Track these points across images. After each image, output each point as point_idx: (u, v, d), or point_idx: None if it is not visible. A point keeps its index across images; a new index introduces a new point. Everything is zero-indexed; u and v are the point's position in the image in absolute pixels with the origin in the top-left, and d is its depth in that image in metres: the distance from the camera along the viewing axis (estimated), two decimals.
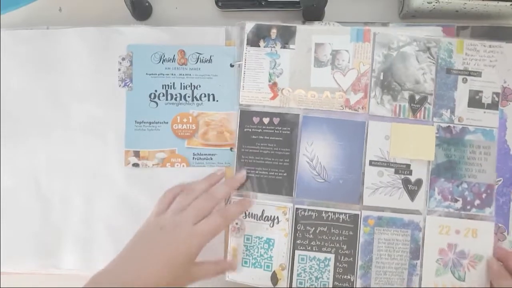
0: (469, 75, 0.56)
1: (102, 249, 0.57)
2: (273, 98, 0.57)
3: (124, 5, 0.59)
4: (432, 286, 0.55)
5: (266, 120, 0.57)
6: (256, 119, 0.57)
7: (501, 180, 0.56)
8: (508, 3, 0.53)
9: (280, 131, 0.57)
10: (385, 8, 0.60)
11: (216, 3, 0.60)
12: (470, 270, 0.54)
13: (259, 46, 0.57)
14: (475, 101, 0.56)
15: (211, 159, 0.58)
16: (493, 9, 0.55)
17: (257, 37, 0.57)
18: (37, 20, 0.61)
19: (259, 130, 0.57)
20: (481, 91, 0.56)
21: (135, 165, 0.58)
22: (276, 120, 0.57)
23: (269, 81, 0.57)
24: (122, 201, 0.58)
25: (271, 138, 0.57)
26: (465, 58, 0.56)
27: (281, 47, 0.57)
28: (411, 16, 0.58)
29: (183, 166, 0.58)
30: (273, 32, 0.57)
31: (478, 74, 0.56)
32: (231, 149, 0.58)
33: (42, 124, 0.59)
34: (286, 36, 0.57)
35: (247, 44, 0.58)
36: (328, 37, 0.57)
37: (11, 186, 0.59)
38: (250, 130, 0.57)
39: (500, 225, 0.55)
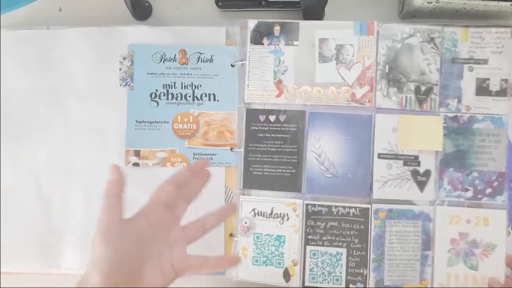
0: (475, 63, 0.56)
1: None
2: (278, 95, 0.57)
3: (124, 5, 0.59)
4: (445, 276, 0.54)
5: (272, 118, 0.57)
6: (262, 117, 0.57)
7: None
8: (508, 3, 0.54)
9: (287, 128, 0.57)
10: (385, 8, 0.60)
11: (216, 3, 0.60)
12: (483, 259, 0.54)
13: (262, 44, 0.57)
14: (482, 89, 0.56)
15: (212, 159, 0.58)
16: (493, 9, 0.55)
17: (260, 35, 0.58)
18: (37, 20, 0.61)
19: (265, 128, 0.57)
20: (488, 79, 0.56)
21: (136, 164, 0.58)
22: (282, 118, 0.57)
23: (274, 79, 0.57)
24: None
25: (278, 135, 0.57)
26: (470, 46, 0.56)
27: (284, 44, 0.57)
28: (411, 16, 0.59)
29: (184, 165, 0.58)
30: (277, 29, 0.57)
31: (484, 61, 0.56)
32: (231, 149, 0.58)
33: (42, 123, 0.59)
34: (290, 33, 0.57)
35: (250, 42, 0.58)
36: (331, 32, 0.57)
37: (12, 185, 0.58)
38: (257, 128, 0.57)
39: None
